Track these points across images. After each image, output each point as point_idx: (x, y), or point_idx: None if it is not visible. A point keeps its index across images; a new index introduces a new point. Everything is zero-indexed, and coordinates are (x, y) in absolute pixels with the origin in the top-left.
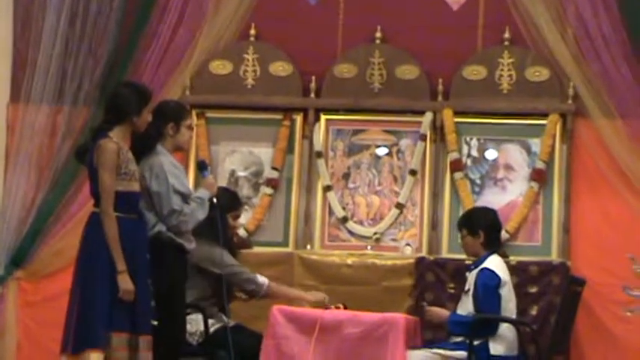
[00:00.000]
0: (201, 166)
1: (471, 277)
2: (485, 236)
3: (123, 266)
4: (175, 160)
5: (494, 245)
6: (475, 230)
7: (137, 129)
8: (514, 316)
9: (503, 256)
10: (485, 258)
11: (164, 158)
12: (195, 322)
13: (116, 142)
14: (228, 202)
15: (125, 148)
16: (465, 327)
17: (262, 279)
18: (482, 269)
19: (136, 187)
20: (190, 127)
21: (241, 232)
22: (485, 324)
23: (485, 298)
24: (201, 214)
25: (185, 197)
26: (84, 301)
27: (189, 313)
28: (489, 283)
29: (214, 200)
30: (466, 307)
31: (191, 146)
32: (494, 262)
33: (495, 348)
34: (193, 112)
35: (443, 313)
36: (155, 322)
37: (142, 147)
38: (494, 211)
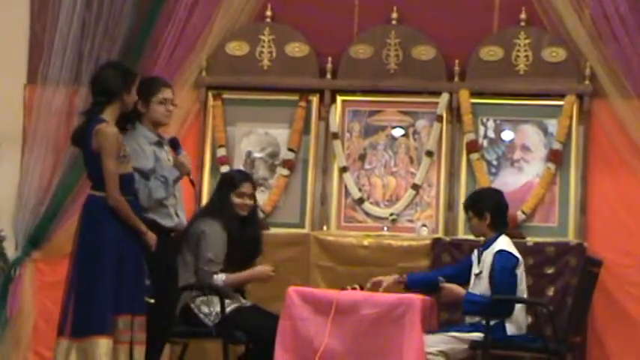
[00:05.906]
0: (174, 145)
1: (487, 258)
2: (492, 218)
3: (144, 228)
4: (150, 135)
5: (501, 227)
6: (481, 212)
7: (126, 107)
8: (525, 296)
9: (520, 237)
10: (494, 239)
11: (131, 138)
12: (211, 303)
13: (114, 126)
14: (228, 180)
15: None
16: (480, 307)
17: (219, 279)
18: (499, 251)
19: (130, 168)
20: (164, 102)
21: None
22: (501, 305)
23: (503, 280)
24: (160, 193)
25: (145, 175)
26: (89, 285)
27: (205, 294)
28: (507, 265)
29: (191, 177)
30: (479, 289)
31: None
32: (507, 243)
33: (510, 329)
34: (209, 94)
35: (458, 290)
36: (152, 300)
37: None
38: (500, 193)
